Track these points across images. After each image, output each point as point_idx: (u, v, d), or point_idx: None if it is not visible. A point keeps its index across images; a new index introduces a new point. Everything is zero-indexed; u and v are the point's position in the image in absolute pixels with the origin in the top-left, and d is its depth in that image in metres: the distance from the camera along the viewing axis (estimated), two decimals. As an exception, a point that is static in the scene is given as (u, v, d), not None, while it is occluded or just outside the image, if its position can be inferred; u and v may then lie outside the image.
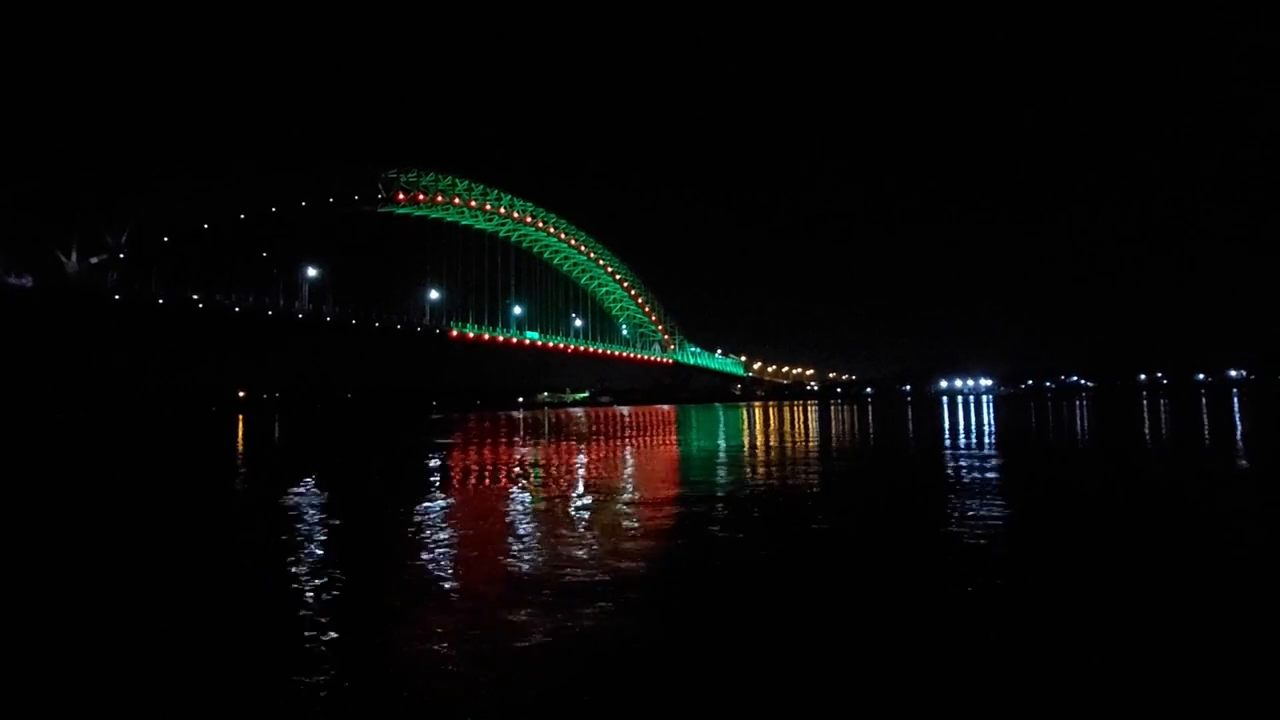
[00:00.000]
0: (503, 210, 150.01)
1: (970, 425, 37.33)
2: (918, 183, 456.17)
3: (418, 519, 11.70)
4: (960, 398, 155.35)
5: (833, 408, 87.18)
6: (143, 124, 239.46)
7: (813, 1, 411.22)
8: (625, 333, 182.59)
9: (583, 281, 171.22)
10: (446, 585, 7.64)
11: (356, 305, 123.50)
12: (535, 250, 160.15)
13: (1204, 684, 4.83)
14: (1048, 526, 10.13)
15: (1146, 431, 29.98)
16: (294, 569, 8.32)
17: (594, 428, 47.06)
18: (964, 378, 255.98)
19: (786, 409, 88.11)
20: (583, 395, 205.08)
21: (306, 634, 6.00)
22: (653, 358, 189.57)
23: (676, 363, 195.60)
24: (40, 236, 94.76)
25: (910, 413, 61.37)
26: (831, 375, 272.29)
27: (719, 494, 13.86)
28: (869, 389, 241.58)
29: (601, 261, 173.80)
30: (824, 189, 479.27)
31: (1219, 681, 4.86)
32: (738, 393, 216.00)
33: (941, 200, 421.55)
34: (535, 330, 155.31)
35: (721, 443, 28.54)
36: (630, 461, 21.84)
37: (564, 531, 10.25)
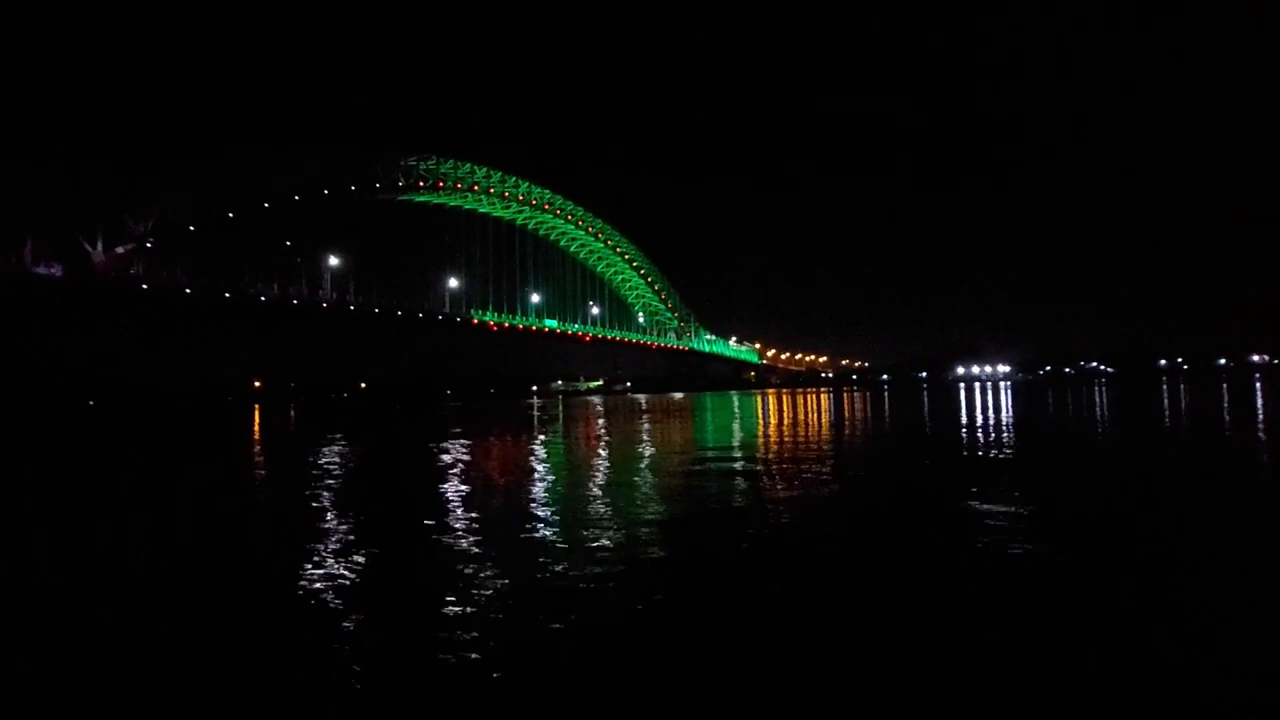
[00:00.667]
0: (520, 197, 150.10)
1: (990, 417, 37.44)
2: (935, 168, 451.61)
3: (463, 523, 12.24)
4: (978, 384, 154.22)
5: (845, 395, 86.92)
6: (168, 115, 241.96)
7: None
8: (641, 320, 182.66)
9: (599, 269, 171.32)
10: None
11: (378, 294, 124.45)
12: (553, 238, 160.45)
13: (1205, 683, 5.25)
14: (1053, 530, 10.49)
15: (1168, 419, 30.01)
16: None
17: (612, 422, 47.34)
18: (982, 364, 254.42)
19: (800, 396, 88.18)
20: (597, 383, 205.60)
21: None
22: (668, 345, 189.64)
23: (691, 350, 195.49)
24: (67, 225, 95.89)
25: (926, 400, 61.29)
26: (845, 362, 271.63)
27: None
28: (885, 376, 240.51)
29: (618, 249, 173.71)
30: (840, 177, 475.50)
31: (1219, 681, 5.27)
32: (752, 380, 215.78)
33: (959, 184, 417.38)
34: (554, 319, 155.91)
35: (759, 436, 28.89)
36: (653, 465, 22.28)
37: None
